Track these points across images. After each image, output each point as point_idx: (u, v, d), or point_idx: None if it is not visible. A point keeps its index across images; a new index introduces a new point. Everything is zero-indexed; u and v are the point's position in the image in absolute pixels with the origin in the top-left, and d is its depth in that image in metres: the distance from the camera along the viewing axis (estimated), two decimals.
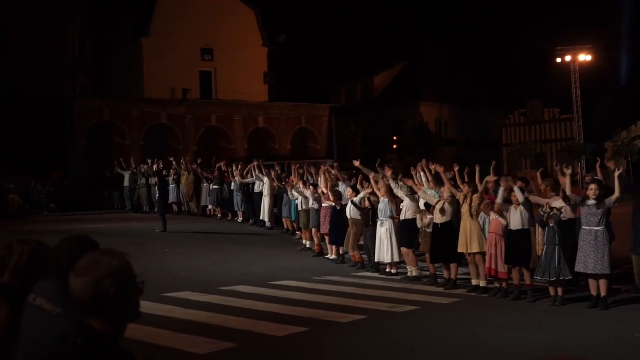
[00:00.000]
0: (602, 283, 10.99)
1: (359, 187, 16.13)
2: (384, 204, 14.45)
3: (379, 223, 14.51)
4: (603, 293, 10.97)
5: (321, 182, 17.69)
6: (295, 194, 18.74)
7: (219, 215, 25.57)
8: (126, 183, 29.19)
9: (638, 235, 11.97)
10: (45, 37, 40.50)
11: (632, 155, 37.78)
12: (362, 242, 15.74)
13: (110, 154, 35.54)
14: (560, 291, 11.32)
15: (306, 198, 17.92)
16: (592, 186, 11.25)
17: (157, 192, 23.06)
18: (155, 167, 27.01)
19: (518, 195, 11.71)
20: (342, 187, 17.10)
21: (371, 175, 15.79)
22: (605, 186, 11.78)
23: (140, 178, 28.28)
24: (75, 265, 2.55)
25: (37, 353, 2.64)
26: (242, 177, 23.93)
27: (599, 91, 45.75)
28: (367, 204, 15.24)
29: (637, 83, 45.38)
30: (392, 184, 14.48)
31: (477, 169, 13.09)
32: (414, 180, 14.47)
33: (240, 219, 24.22)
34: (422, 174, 14.71)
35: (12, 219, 25.25)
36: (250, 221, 23.48)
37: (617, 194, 11.25)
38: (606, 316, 10.48)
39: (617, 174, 11.62)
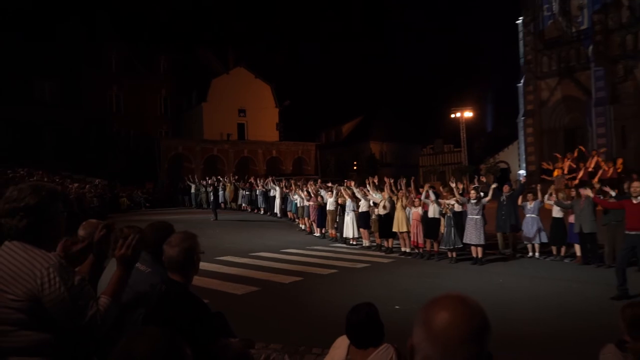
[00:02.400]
0: (479, 249, 11.11)
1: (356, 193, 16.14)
2: (349, 202, 14.54)
3: (346, 213, 14.56)
4: (480, 255, 11.09)
5: (310, 190, 17.67)
6: (296, 197, 18.79)
7: (249, 210, 25.48)
8: (192, 190, 29.12)
9: (499, 220, 12.15)
10: (143, 102, 40.86)
11: (496, 172, 38.07)
12: (336, 226, 15.78)
13: (182, 173, 35.50)
14: (454, 254, 11.43)
15: (302, 199, 17.97)
16: (473, 192, 11.41)
17: (212, 196, 22.97)
18: (210, 181, 27.04)
19: (432, 196, 11.88)
20: (323, 192, 17.08)
21: (342, 187, 15.85)
22: (482, 191, 11.91)
23: (201, 187, 28.29)
24: (169, 240, 2.58)
25: (135, 296, 2.65)
26: (263, 186, 23.99)
27: (477, 133, 46.14)
28: (340, 201, 15.30)
29: (497, 129, 45.82)
30: (355, 191, 14.61)
31: (402, 181, 13.33)
32: (366, 189, 14.60)
33: (262, 212, 24.15)
34: (370, 185, 14.89)
35: (123, 213, 25.09)
36: (268, 213, 23.43)
37: (489, 197, 11.42)
38: (482, 269, 10.60)
39: (493, 185, 11.88)
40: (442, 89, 53.74)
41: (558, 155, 21.66)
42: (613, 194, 10.09)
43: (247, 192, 25.77)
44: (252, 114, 42.87)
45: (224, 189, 27.24)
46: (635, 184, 8.04)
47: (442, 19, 79.44)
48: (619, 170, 19.22)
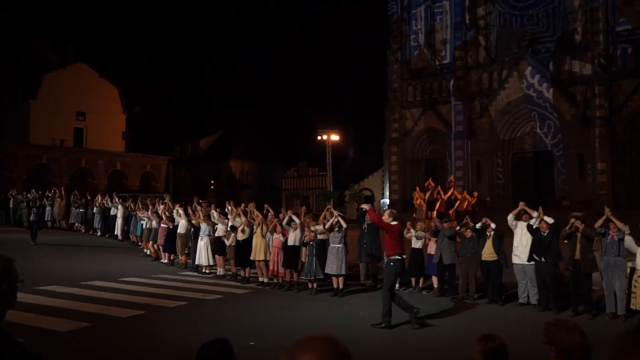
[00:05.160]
0: (341, 280, 11.48)
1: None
2: (204, 226, 14.18)
3: (199, 238, 14.18)
4: (341, 286, 11.45)
5: (160, 211, 16.94)
6: (144, 217, 17.81)
7: (83, 230, 23.57)
8: (11, 205, 26.19)
9: (361, 249, 12.65)
10: None
11: (360, 199, 40.01)
12: (187, 251, 15.27)
13: None
14: (315, 285, 11.67)
15: (150, 220, 17.10)
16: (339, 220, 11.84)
17: (33, 213, 20.72)
18: (36, 194, 24.61)
19: (297, 221, 12.07)
20: (175, 213, 16.43)
21: (198, 208, 15.39)
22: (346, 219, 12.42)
23: (22, 201, 25.57)
24: None
25: None
26: (102, 204, 22.48)
27: (342, 158, 48.03)
28: (194, 222, 14.85)
29: (363, 155, 48.28)
30: (212, 213, 14.35)
31: (266, 206, 13.41)
32: (226, 214, 14.42)
33: (98, 234, 22.47)
34: (230, 208, 14.73)
35: None
36: (106, 235, 21.87)
37: (344, 224, 11.94)
38: (342, 301, 10.91)
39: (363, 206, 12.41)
40: (308, 110, 55.41)
41: (432, 185, 22.88)
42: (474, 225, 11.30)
43: (81, 210, 23.87)
44: (93, 118, 40.14)
45: (52, 205, 24.93)
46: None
47: (312, 39, 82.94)
48: (473, 203, 21.56)
